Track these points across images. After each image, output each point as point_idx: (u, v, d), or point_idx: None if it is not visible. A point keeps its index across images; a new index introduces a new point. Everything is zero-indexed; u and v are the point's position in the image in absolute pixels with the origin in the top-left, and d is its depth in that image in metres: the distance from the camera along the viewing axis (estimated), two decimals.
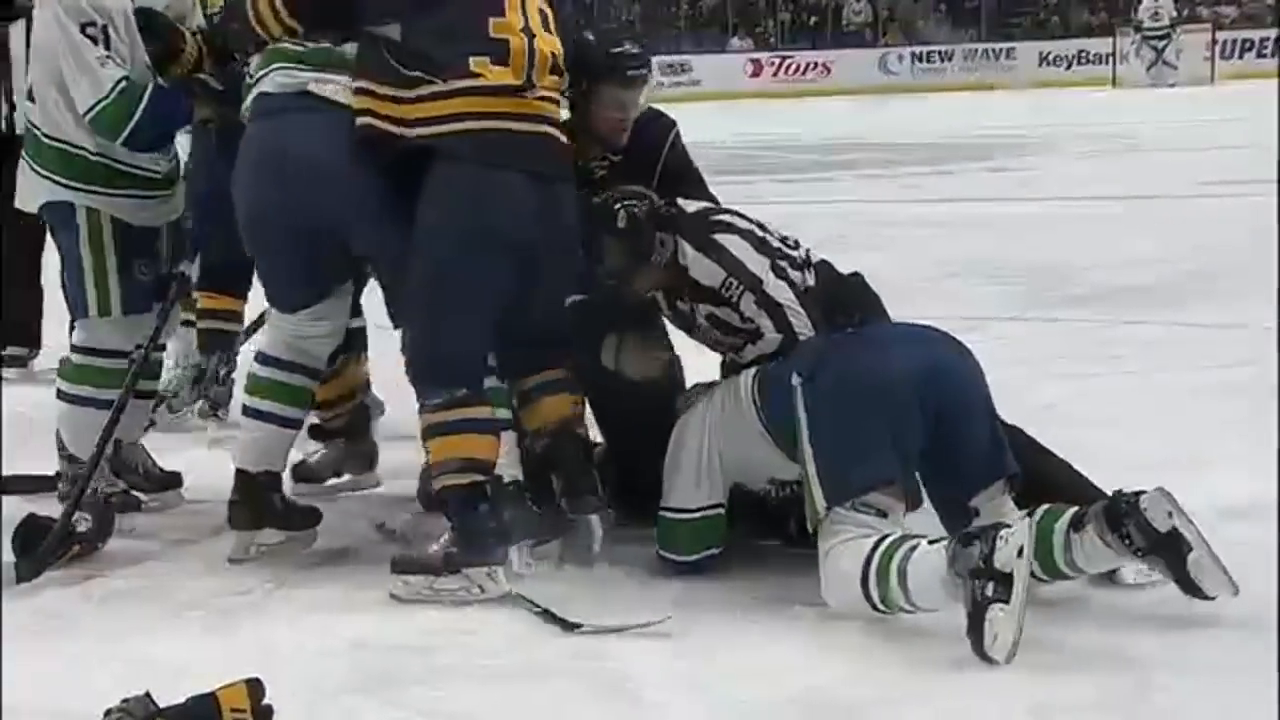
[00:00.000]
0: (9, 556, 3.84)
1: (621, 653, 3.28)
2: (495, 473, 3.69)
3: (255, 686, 2.83)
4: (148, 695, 2.81)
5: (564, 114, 3.88)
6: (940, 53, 31.01)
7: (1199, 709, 2.94)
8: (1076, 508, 3.35)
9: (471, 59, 3.60)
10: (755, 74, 30.44)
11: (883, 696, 3.04)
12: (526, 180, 3.66)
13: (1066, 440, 3.83)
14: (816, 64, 30.77)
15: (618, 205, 3.80)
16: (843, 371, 3.51)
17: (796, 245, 3.87)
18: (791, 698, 3.03)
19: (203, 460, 4.79)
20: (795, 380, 3.51)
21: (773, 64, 30.88)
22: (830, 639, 3.32)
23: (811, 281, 3.79)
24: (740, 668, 3.20)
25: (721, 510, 3.68)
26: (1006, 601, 3.08)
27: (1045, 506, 3.39)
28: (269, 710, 2.82)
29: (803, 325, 3.68)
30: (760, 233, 3.82)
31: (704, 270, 3.74)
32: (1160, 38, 27.27)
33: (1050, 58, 30.40)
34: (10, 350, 6.50)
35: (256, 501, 3.94)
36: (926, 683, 3.10)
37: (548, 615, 3.46)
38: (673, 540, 3.70)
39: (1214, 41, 27.75)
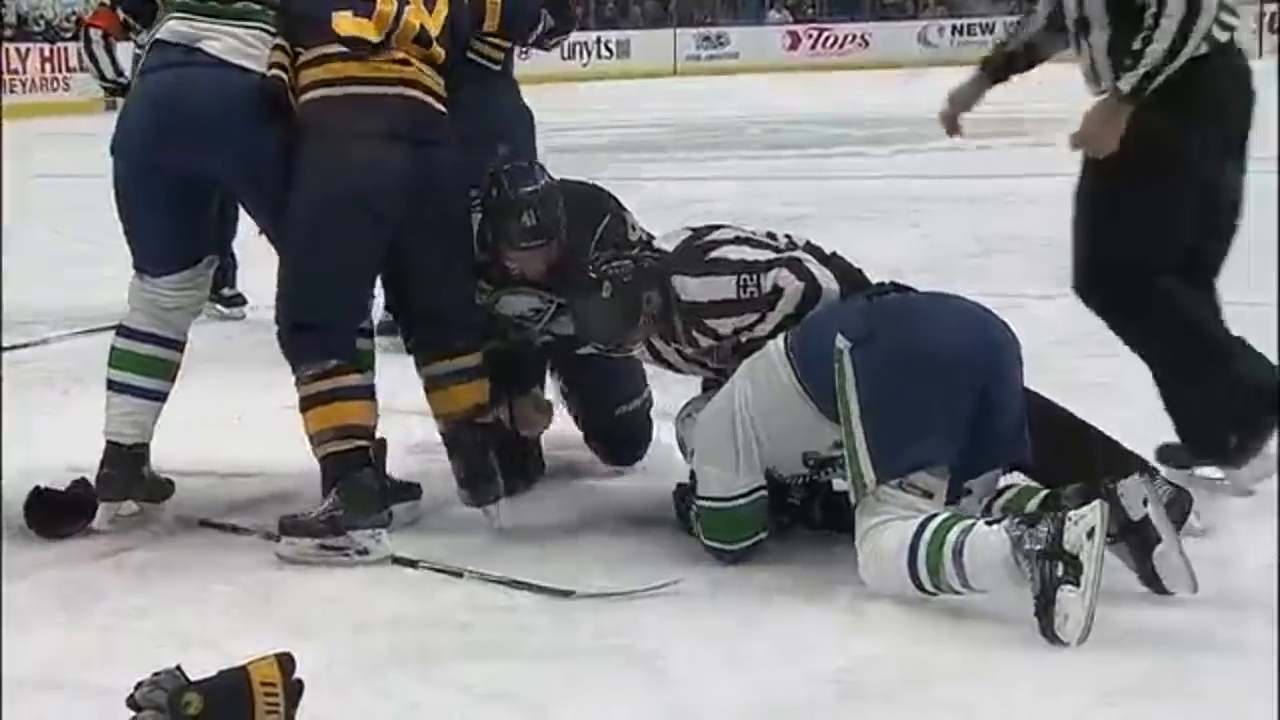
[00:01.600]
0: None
1: (655, 632, 3.29)
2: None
3: (286, 661, 2.83)
4: (178, 669, 2.82)
5: (434, 83, 3.86)
6: (981, 25, 30.87)
7: (1239, 692, 2.92)
8: (1047, 490, 3.47)
9: (335, 14, 3.73)
10: (793, 46, 30.36)
11: (917, 677, 3.03)
12: (381, 144, 3.72)
13: (1110, 418, 3.82)
14: (855, 36, 30.69)
15: (598, 273, 3.79)
16: (899, 341, 3.46)
17: (775, 238, 3.90)
18: (825, 678, 3.03)
19: (240, 437, 4.83)
20: (842, 343, 3.44)
21: (810, 36, 30.80)
22: (863, 620, 3.32)
23: None
24: (773, 648, 3.20)
25: (764, 492, 3.62)
26: (1076, 583, 3.08)
27: (1018, 488, 3.51)
28: (300, 685, 2.83)
29: (822, 274, 3.69)
30: (745, 233, 3.86)
31: (715, 289, 3.72)
32: None
33: None
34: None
35: (126, 473, 4.01)
36: (961, 663, 3.09)
37: (532, 588, 3.49)
38: (717, 530, 3.63)
39: (1262, 14, 27.52)
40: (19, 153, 13.90)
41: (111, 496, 4.02)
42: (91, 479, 4.07)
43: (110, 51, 6.54)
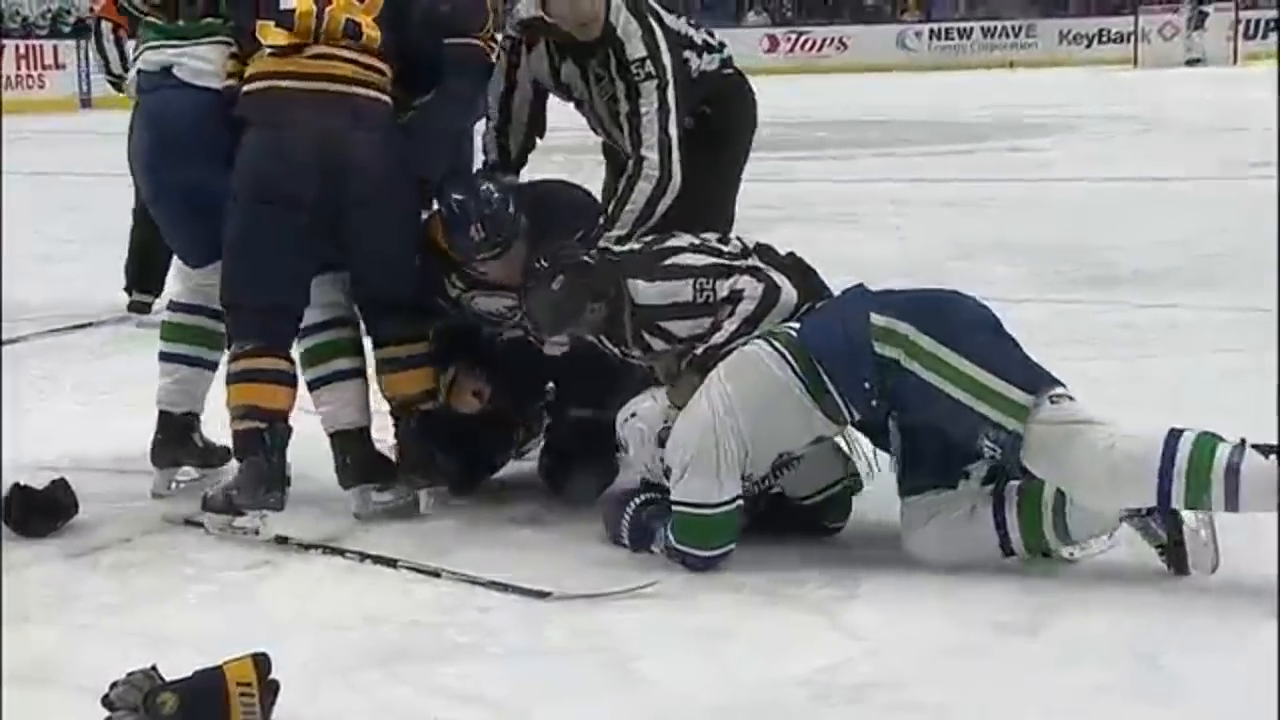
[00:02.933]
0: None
1: (629, 634, 3.30)
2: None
3: (262, 661, 2.84)
4: (153, 668, 2.83)
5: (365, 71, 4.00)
6: (959, 29, 30.97)
7: (1211, 692, 2.94)
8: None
9: (259, 24, 3.97)
10: (771, 49, 30.41)
11: (890, 679, 3.04)
12: (283, 133, 3.93)
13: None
14: (833, 40, 30.75)
15: (553, 264, 3.80)
16: (948, 306, 3.58)
17: (727, 242, 3.90)
18: (799, 679, 3.04)
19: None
20: (889, 321, 3.48)
21: (789, 39, 30.86)
22: (836, 621, 3.34)
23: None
24: (747, 650, 3.21)
25: (740, 503, 3.62)
26: None
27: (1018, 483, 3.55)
28: (275, 685, 2.83)
29: (780, 279, 3.73)
30: (699, 240, 3.86)
31: (671, 293, 3.74)
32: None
33: (1071, 36, 30.36)
34: (138, 295, 6.72)
35: (177, 440, 4.27)
36: (935, 665, 3.11)
37: (508, 588, 3.50)
38: (692, 535, 3.61)
39: (1237, 21, 27.67)
40: None
41: (163, 463, 4.28)
42: (69, 478, 4.08)
43: (120, 45, 6.55)
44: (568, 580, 3.55)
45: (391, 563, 3.71)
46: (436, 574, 3.63)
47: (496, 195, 3.99)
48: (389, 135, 4.02)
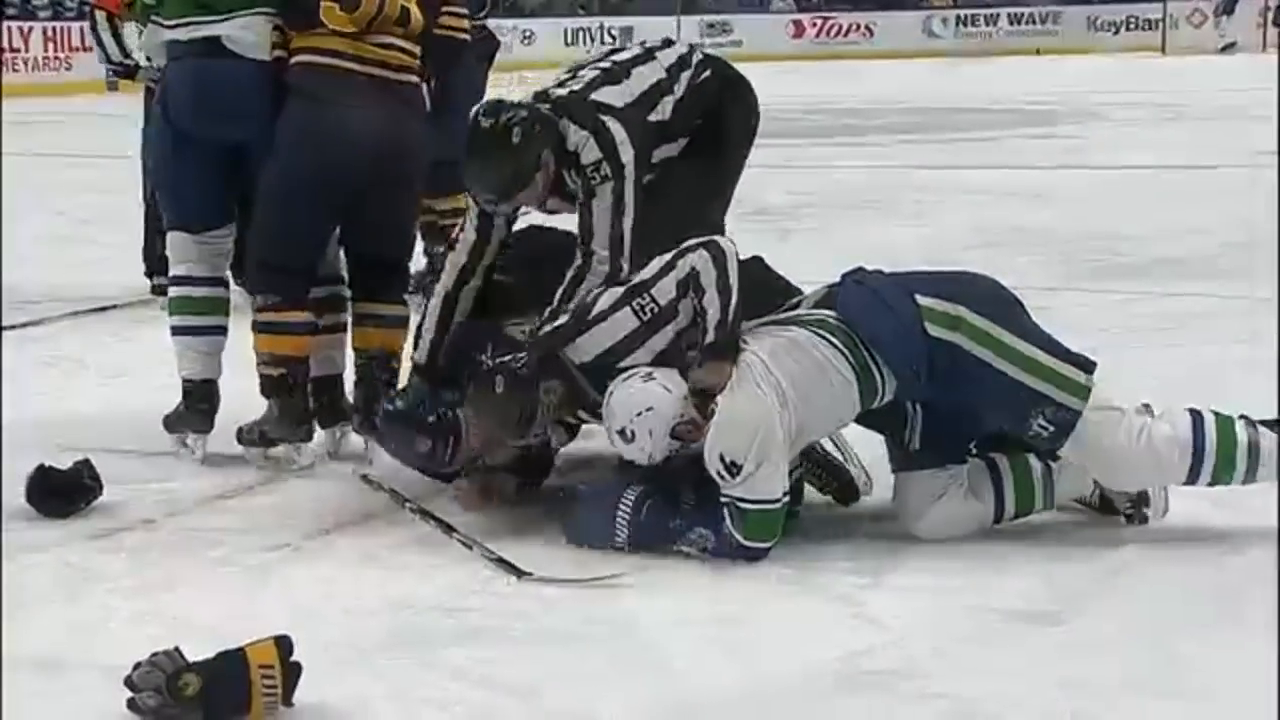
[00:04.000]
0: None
1: (652, 621, 3.30)
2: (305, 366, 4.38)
3: (284, 643, 2.85)
4: (177, 650, 2.84)
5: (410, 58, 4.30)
6: (986, 16, 30.84)
7: (1231, 682, 2.94)
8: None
9: (324, 4, 4.17)
10: (797, 35, 30.33)
11: (914, 669, 3.04)
12: (348, 117, 4.21)
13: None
14: (859, 26, 30.65)
15: (490, 370, 3.77)
16: (978, 286, 3.66)
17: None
18: (823, 668, 3.04)
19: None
20: (938, 303, 3.53)
21: (815, 25, 30.77)
22: (861, 610, 3.34)
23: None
24: (770, 638, 3.22)
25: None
26: None
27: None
28: (298, 668, 2.85)
29: (720, 238, 3.71)
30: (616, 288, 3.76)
31: (614, 330, 3.67)
32: None
33: (1098, 22, 30.22)
34: (158, 280, 6.65)
35: (202, 407, 4.50)
36: (960, 655, 3.11)
37: (500, 563, 3.52)
38: (765, 530, 3.53)
39: (1268, 7, 27.52)
40: (19, 131, 13.93)
41: (190, 429, 4.51)
42: (93, 459, 4.09)
43: (116, 33, 6.59)
44: (595, 567, 3.53)
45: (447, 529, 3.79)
46: (469, 545, 3.69)
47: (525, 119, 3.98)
48: (425, 120, 4.38)
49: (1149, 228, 8.38)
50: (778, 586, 3.47)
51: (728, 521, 3.52)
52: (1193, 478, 3.55)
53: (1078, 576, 3.43)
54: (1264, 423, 3.60)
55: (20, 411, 4.92)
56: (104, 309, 6.76)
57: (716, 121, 4.25)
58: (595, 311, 3.71)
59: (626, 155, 3.97)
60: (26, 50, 21.11)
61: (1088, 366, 3.55)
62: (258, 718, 2.81)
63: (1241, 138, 12.56)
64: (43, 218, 9.28)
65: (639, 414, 3.57)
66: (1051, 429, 3.50)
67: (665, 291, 3.64)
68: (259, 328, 4.37)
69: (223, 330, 4.48)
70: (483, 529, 3.79)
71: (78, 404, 5.16)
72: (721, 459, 3.48)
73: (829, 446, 3.94)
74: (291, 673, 2.84)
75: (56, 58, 20.25)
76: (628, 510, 3.61)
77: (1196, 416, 3.57)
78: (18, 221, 8.97)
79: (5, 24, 20.97)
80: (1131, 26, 29.92)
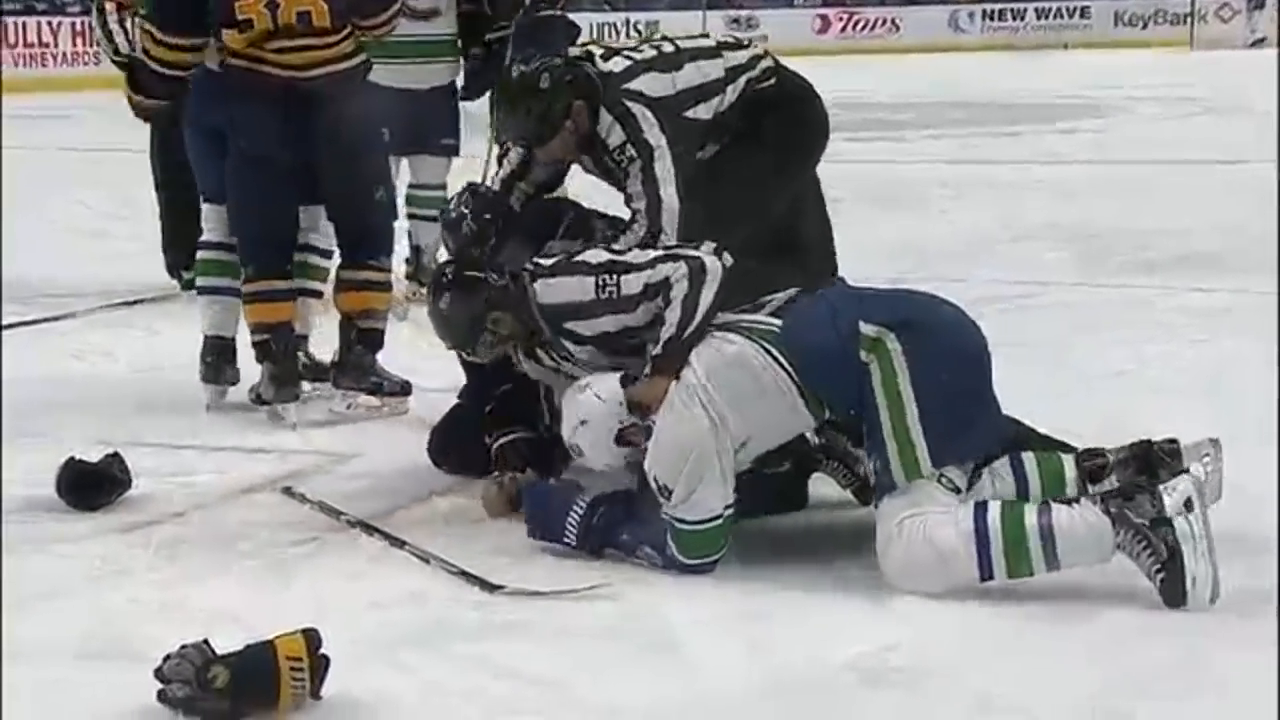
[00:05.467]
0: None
1: (676, 617, 3.31)
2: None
3: (312, 637, 2.87)
4: (205, 642, 2.85)
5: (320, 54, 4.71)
6: (1013, 10, 30.73)
7: (1256, 681, 2.93)
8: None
9: (223, 31, 4.74)
10: (823, 30, 30.24)
11: (938, 665, 3.05)
12: (276, 110, 4.72)
13: (1127, 409, 3.81)
14: (885, 20, 30.55)
15: (442, 282, 3.82)
16: (934, 327, 3.50)
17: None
18: (846, 664, 3.05)
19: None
20: (874, 329, 3.43)
21: (841, 19, 30.67)
22: (884, 607, 3.34)
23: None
24: (793, 635, 3.22)
25: (737, 500, 3.54)
26: (1192, 549, 3.19)
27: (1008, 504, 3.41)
28: (326, 660, 2.86)
29: (703, 252, 3.64)
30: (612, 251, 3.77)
31: (569, 291, 3.67)
32: None
33: (1126, 17, 30.08)
34: (187, 274, 6.73)
35: (222, 361, 5.02)
36: (983, 652, 3.11)
37: (466, 576, 3.49)
38: (702, 548, 3.51)
39: None
40: (50, 125, 14.00)
41: (213, 380, 5.00)
42: (122, 453, 4.12)
43: (123, 24, 6.61)
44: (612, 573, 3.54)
45: (399, 543, 3.73)
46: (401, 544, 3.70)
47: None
48: (343, 95, 4.76)
49: (1174, 223, 8.34)
50: (802, 582, 3.47)
51: (670, 541, 3.50)
52: (985, 573, 3.31)
53: (1106, 573, 3.40)
54: (1102, 494, 3.39)
55: (49, 405, 4.96)
56: (132, 303, 6.79)
57: (771, 133, 4.22)
58: (572, 262, 3.72)
59: (656, 139, 3.99)
60: (56, 45, 21.18)
61: (940, 459, 3.38)
62: (285, 709, 2.82)
63: (1270, 133, 12.49)
64: (71, 211, 9.33)
65: (575, 429, 3.61)
66: (873, 482, 3.45)
67: (631, 284, 3.62)
68: (245, 299, 4.85)
69: (238, 293, 4.95)
70: (442, 538, 3.75)
71: (107, 397, 5.18)
72: (655, 481, 3.49)
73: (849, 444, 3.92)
74: (319, 665, 2.86)
75: (86, 52, 20.30)
76: (579, 514, 3.62)
77: (979, 508, 3.35)
78: (45, 215, 9.04)
79: (35, 19, 21.07)
80: (1159, 21, 29.79)
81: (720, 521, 3.49)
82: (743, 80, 4.20)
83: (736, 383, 3.47)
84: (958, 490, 3.42)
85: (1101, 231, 8.17)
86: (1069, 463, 3.56)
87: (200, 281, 5.21)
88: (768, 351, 3.48)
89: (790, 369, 3.46)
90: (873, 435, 3.45)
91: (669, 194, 3.98)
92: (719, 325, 3.57)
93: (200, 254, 5.20)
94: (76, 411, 4.92)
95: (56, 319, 6.41)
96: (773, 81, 4.26)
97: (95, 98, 15.49)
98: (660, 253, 3.69)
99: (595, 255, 3.73)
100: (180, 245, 6.86)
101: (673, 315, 3.54)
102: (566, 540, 3.63)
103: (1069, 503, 3.36)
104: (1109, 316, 6.09)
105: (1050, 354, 5.27)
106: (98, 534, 3.85)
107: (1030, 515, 3.32)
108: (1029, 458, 3.56)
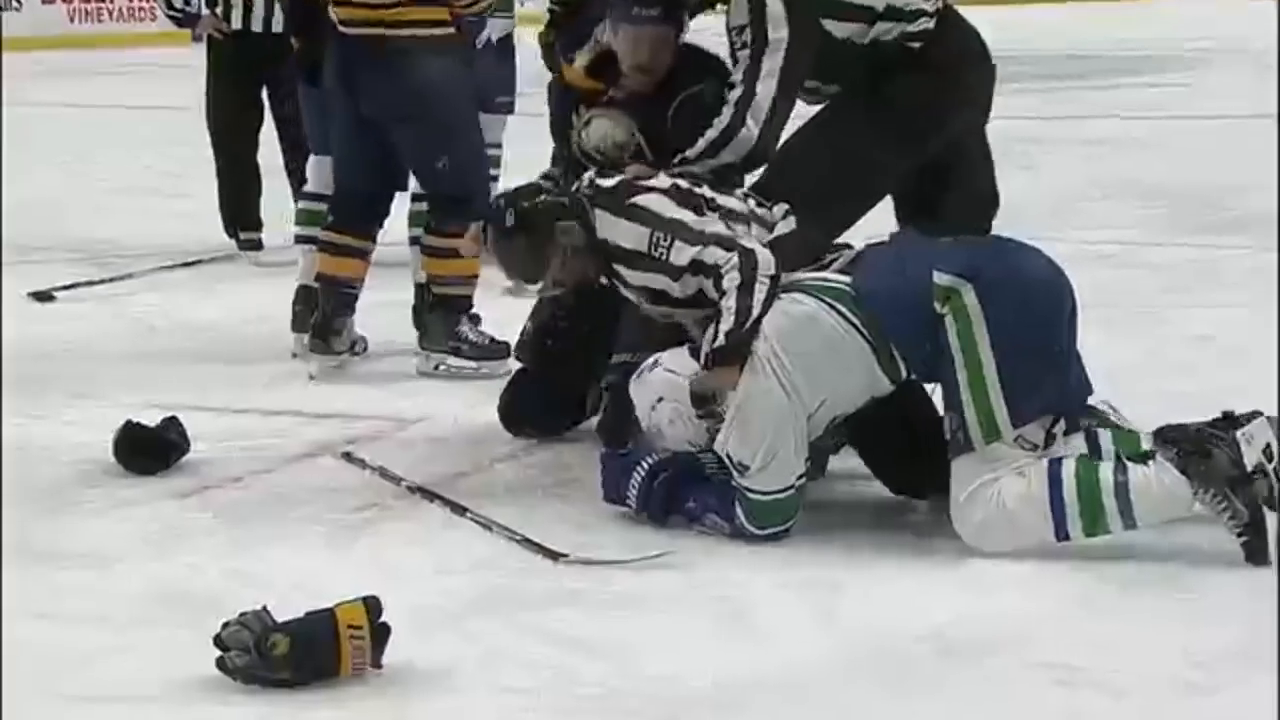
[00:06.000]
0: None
1: (747, 584, 3.31)
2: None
3: (373, 604, 2.88)
4: (264, 609, 2.88)
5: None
6: None
7: None
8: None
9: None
10: None
11: (1017, 636, 3.03)
12: (336, 70, 5.00)
13: (1213, 374, 3.76)
14: None
15: (506, 204, 3.80)
16: (1010, 276, 3.47)
17: (745, 199, 3.78)
18: (922, 635, 3.04)
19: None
20: (951, 279, 3.40)
21: None
22: (960, 575, 3.33)
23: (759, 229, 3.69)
24: (866, 604, 3.21)
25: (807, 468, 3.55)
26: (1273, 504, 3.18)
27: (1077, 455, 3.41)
28: (387, 629, 2.88)
29: (749, 241, 3.58)
30: (685, 186, 3.73)
31: (624, 235, 3.67)
32: None
33: None
34: (245, 235, 6.93)
35: (310, 310, 5.13)
36: (1064, 623, 3.10)
37: (529, 544, 3.50)
38: (773, 517, 3.50)
39: None
40: (108, 81, 14.10)
41: (302, 329, 5.15)
42: (180, 417, 4.16)
43: None
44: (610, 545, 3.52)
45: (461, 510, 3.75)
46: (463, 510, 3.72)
47: None
48: (410, 63, 4.87)
49: (1264, 179, 8.21)
50: (873, 550, 3.47)
51: (739, 510, 3.50)
52: (1060, 532, 3.35)
53: (1195, 540, 3.37)
54: (1169, 446, 3.36)
55: (106, 367, 5.00)
56: (190, 264, 6.84)
57: (893, 100, 4.00)
58: (635, 205, 3.69)
59: (776, 32, 3.88)
60: (112, 1, 21.32)
61: (1019, 419, 3.38)
62: (345, 677, 2.85)
63: None
64: (128, 170, 9.39)
65: (653, 408, 3.59)
66: (949, 440, 3.43)
67: (681, 255, 3.59)
68: (319, 246, 5.14)
69: None
70: (504, 506, 3.76)
71: (165, 360, 5.23)
72: (730, 457, 3.49)
73: None
74: (380, 634, 2.87)
75: (142, 8, 20.42)
76: (640, 478, 3.62)
77: (1054, 466, 3.37)
78: (100, 173, 9.11)
79: None
80: None
81: (793, 491, 3.49)
82: (895, 30, 3.97)
83: (809, 347, 3.46)
84: (1035, 448, 3.41)
85: (1190, 188, 8.06)
86: (1146, 439, 3.49)
87: (297, 230, 5.60)
88: (838, 310, 3.46)
89: (864, 327, 3.44)
90: (949, 393, 3.44)
91: (765, 89, 3.86)
92: (784, 286, 3.54)
93: (300, 204, 5.65)
94: (133, 374, 4.96)
95: (114, 280, 6.46)
96: (919, 45, 4.00)
97: (152, 54, 15.64)
98: (719, 229, 3.63)
99: (660, 204, 3.68)
100: (237, 205, 6.94)
101: (729, 305, 3.49)
102: (628, 503, 3.64)
103: (1145, 460, 3.35)
104: (1194, 278, 6.02)
105: (1135, 317, 5.23)
106: (155, 499, 3.88)
107: (1106, 473, 3.33)
108: (1104, 433, 3.52)
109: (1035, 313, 3.47)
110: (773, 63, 3.88)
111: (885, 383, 3.51)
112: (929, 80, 4.00)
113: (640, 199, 3.70)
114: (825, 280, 3.54)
